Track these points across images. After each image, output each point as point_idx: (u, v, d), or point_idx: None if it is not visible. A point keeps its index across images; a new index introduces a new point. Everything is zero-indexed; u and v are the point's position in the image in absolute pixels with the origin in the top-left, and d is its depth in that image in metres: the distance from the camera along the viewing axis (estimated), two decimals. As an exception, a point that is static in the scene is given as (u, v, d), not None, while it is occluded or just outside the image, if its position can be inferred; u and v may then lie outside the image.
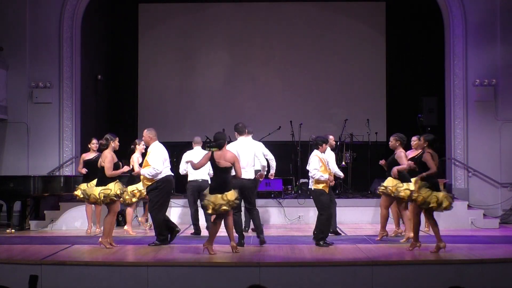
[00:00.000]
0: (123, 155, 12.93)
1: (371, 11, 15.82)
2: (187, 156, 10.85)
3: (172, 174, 9.88)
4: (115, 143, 9.39)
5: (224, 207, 8.59)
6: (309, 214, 12.42)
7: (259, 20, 15.88)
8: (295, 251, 8.88)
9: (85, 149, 11.65)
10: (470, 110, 13.15)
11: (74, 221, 11.83)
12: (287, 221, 12.49)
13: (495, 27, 13.13)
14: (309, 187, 9.51)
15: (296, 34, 15.81)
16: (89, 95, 14.06)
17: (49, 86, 13.20)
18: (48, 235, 10.96)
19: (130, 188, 10.69)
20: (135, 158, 10.74)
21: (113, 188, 9.22)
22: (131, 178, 10.69)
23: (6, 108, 13.11)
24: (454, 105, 13.20)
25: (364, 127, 14.13)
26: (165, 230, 9.54)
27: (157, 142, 9.65)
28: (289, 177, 13.90)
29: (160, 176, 9.46)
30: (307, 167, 9.46)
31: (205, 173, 10.78)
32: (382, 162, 10.23)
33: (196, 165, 9.07)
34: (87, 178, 11.19)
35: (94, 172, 11.10)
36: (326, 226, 9.35)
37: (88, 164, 11.20)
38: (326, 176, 9.27)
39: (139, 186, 10.45)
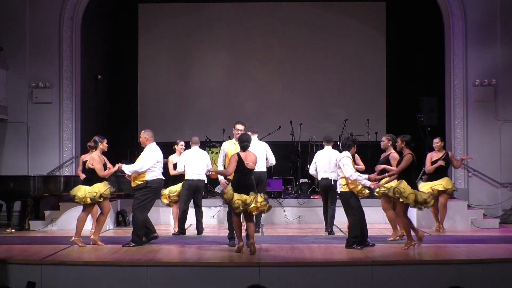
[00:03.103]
0: (123, 155, 12.98)
1: (371, 11, 15.82)
2: (186, 155, 10.82)
3: (163, 178, 9.74)
4: (103, 145, 9.56)
5: (254, 212, 8.80)
6: (309, 214, 12.43)
7: (259, 20, 15.88)
8: (295, 251, 8.88)
9: (84, 149, 11.64)
10: (470, 110, 13.15)
11: (74, 221, 11.74)
12: (287, 221, 12.49)
13: (495, 27, 13.13)
14: (338, 190, 9.35)
15: (296, 34, 15.81)
16: (89, 95, 14.06)
17: (49, 86, 13.20)
18: (48, 235, 10.95)
19: (174, 188, 10.88)
20: (172, 158, 10.95)
21: (99, 189, 9.33)
22: (173, 178, 10.87)
23: (6, 108, 13.11)
24: (454, 105, 13.21)
25: (364, 127, 14.11)
26: (142, 232, 9.41)
27: (153, 143, 9.56)
28: (289, 177, 13.90)
29: (151, 178, 9.38)
30: (338, 171, 9.22)
31: (203, 173, 10.81)
32: (377, 168, 10.14)
33: (227, 172, 9.10)
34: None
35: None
36: (357, 228, 9.10)
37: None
38: (366, 180, 9.15)
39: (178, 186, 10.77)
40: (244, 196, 8.77)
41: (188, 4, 16.00)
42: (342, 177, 9.15)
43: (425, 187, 10.91)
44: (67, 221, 11.86)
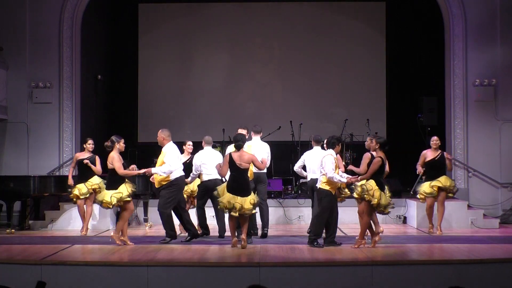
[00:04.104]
0: (123, 155, 12.94)
1: (371, 11, 15.82)
2: (199, 156, 10.71)
3: (184, 174, 9.95)
4: (120, 145, 9.51)
5: (234, 214, 8.95)
6: (309, 214, 12.39)
7: (259, 20, 15.88)
8: (295, 251, 8.88)
9: (84, 149, 11.65)
10: (470, 110, 13.15)
11: (74, 221, 11.81)
12: (287, 221, 12.49)
13: (495, 27, 13.13)
14: (317, 185, 9.44)
15: (296, 34, 15.81)
16: (89, 95, 14.06)
17: (49, 86, 13.20)
18: (48, 235, 10.96)
19: (193, 185, 10.86)
20: None
21: (125, 190, 9.33)
22: None
23: (6, 108, 13.11)
24: (454, 105, 13.21)
25: (364, 127, 14.12)
26: (173, 226, 9.71)
27: (171, 142, 9.75)
28: (289, 177, 13.89)
29: (174, 175, 9.60)
30: (320, 168, 9.32)
31: (216, 173, 10.76)
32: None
33: (221, 173, 9.26)
34: (81, 178, 11.23)
35: (87, 172, 11.14)
36: (321, 227, 9.28)
37: (81, 163, 11.21)
38: (344, 180, 9.21)
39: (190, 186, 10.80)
40: (234, 200, 8.90)
41: (188, 4, 16.01)
42: (323, 174, 9.24)
43: (424, 186, 10.90)
44: (67, 221, 11.90)
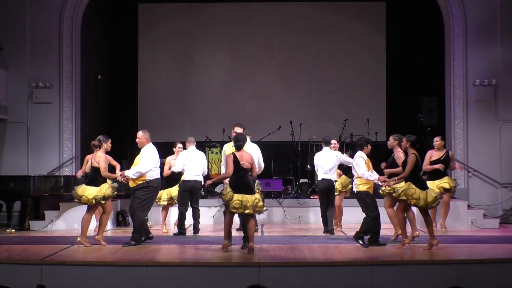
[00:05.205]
0: (123, 155, 12.97)
1: (371, 11, 15.82)
2: (184, 156, 10.78)
3: (160, 177, 9.88)
4: (107, 145, 9.57)
5: (249, 211, 8.72)
6: (309, 214, 12.44)
7: (259, 20, 15.88)
8: (295, 251, 8.88)
9: (84, 149, 11.65)
10: (470, 110, 13.16)
11: (74, 221, 11.79)
12: (287, 221, 12.49)
13: (495, 27, 13.14)
14: (353, 189, 9.48)
15: (296, 34, 15.81)
16: (89, 95, 14.06)
17: (49, 86, 13.21)
18: (48, 235, 10.95)
19: (175, 192, 10.95)
20: (169, 159, 11.02)
21: (104, 189, 9.36)
22: (169, 179, 10.93)
23: (6, 108, 13.11)
24: (454, 105, 13.22)
25: (364, 127, 14.12)
26: (142, 231, 9.55)
27: (151, 144, 9.66)
28: (289, 177, 13.90)
29: (151, 178, 9.49)
30: (355, 172, 9.34)
31: (199, 174, 10.78)
32: (383, 165, 10.18)
33: (227, 174, 8.98)
34: None
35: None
36: (375, 227, 9.28)
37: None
38: (375, 176, 9.26)
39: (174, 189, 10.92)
40: (245, 197, 8.75)
41: (188, 4, 16.01)
42: (357, 177, 9.29)
43: (430, 186, 10.93)
44: (67, 221, 11.89)
